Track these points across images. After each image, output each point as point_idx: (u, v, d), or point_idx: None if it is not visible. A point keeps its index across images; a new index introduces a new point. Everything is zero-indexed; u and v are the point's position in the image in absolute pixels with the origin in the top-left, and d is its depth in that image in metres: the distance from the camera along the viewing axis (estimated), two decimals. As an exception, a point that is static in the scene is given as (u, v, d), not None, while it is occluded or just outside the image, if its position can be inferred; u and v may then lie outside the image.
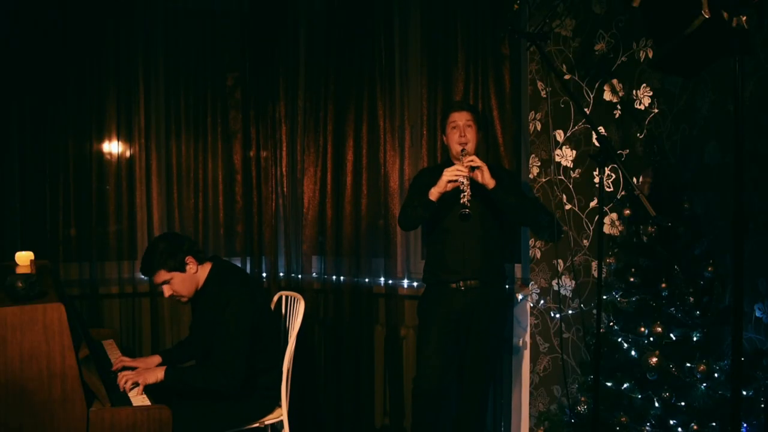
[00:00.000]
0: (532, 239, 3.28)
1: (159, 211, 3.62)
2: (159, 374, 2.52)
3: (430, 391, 2.99)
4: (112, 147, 3.60)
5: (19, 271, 2.48)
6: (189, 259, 2.69)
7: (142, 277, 3.60)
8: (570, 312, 3.14)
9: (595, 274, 2.98)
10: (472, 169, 2.84)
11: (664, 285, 2.39)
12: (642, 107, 2.85)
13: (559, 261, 3.17)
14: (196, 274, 2.71)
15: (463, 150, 2.93)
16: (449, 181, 2.82)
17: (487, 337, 3.01)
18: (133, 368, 2.67)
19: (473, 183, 2.83)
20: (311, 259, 3.71)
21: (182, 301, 2.77)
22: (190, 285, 2.71)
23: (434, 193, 2.86)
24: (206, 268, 2.76)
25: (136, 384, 2.48)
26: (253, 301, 2.69)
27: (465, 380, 3.08)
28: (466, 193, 2.75)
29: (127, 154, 3.60)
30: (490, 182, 2.85)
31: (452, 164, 2.96)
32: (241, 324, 2.60)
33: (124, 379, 2.48)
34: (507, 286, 3.26)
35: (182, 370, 2.64)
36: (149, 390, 2.49)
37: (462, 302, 2.96)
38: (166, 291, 2.70)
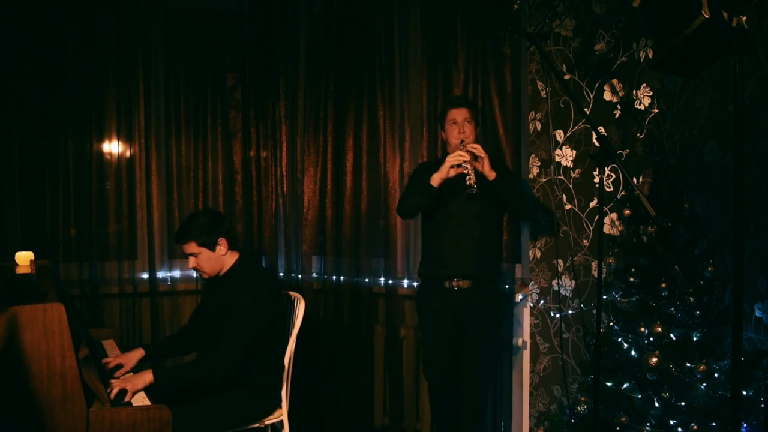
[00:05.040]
0: (532, 239, 3.28)
1: (159, 211, 3.62)
2: (147, 377, 2.49)
3: (436, 379, 3.05)
4: (112, 147, 3.59)
5: (19, 271, 2.48)
6: (222, 241, 2.75)
7: (143, 276, 3.63)
8: (570, 312, 3.14)
9: (595, 274, 2.98)
10: (475, 158, 2.80)
11: (664, 285, 2.39)
12: (642, 107, 2.85)
13: (559, 261, 3.17)
14: (223, 256, 2.77)
15: (462, 141, 2.89)
16: (452, 167, 2.78)
17: (481, 337, 2.99)
18: (119, 366, 2.68)
19: (475, 172, 2.79)
20: (311, 259, 3.71)
21: (203, 277, 2.84)
22: (215, 265, 2.78)
23: (436, 179, 2.82)
24: (234, 256, 2.82)
25: (124, 391, 2.44)
26: (273, 302, 2.75)
27: (462, 380, 3.07)
28: (470, 176, 2.71)
29: (127, 154, 3.59)
30: (491, 173, 2.81)
31: None
32: (252, 319, 2.64)
33: (110, 388, 2.42)
34: (506, 286, 3.25)
35: (173, 369, 2.64)
36: (149, 390, 2.48)
37: (453, 302, 2.94)
38: (191, 262, 2.77)
